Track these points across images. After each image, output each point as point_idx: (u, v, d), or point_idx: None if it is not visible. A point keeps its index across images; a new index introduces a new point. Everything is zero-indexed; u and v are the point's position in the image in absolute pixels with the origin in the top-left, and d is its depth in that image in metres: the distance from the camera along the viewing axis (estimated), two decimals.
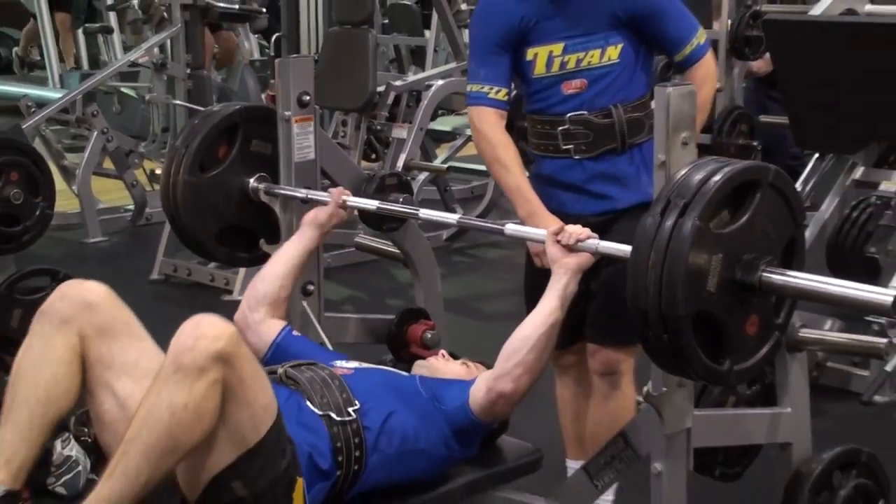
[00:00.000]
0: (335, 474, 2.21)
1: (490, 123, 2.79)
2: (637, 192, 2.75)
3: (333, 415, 2.25)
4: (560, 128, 2.76)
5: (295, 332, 2.66)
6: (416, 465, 2.33)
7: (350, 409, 2.27)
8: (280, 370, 2.36)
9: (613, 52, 2.72)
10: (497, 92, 2.79)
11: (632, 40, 2.73)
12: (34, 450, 2.15)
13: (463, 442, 2.39)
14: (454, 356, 2.68)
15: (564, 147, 2.77)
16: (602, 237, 2.50)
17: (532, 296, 2.86)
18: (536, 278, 2.77)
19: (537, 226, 2.66)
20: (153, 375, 2.05)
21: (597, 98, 2.74)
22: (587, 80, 2.74)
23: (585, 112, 2.74)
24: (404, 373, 2.56)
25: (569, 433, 3.04)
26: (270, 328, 2.63)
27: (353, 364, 2.51)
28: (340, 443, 2.22)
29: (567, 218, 2.64)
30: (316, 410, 2.25)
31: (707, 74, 2.79)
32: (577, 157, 2.77)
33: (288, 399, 2.27)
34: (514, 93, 3.05)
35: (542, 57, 2.75)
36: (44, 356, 2.17)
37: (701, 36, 2.78)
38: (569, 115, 2.75)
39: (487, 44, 2.79)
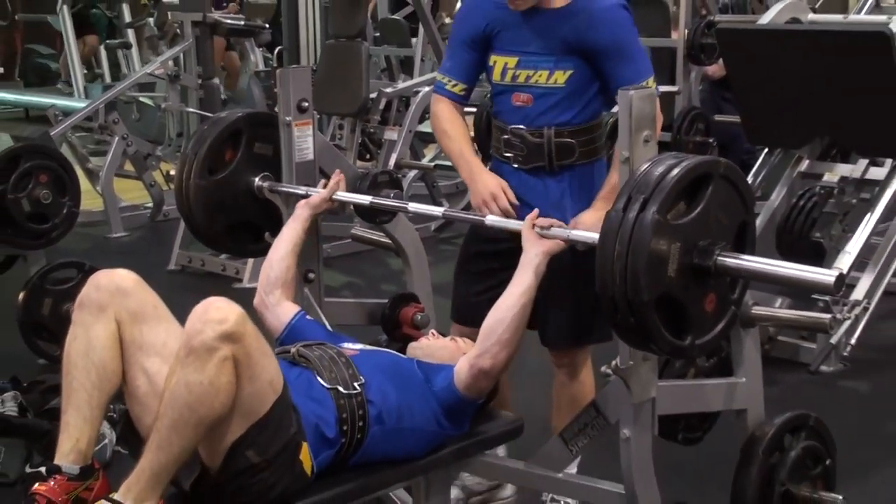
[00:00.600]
0: (340, 442, 2.21)
1: (441, 107, 2.78)
2: (559, 211, 2.66)
3: (341, 388, 2.24)
4: (504, 136, 2.72)
5: (308, 317, 2.65)
6: (411, 440, 2.32)
7: (356, 384, 2.26)
8: (293, 349, 2.36)
9: (561, 77, 2.63)
10: (454, 85, 2.76)
11: (583, 69, 2.62)
12: (96, 428, 2.19)
13: (453, 419, 2.38)
14: (443, 335, 2.67)
15: (506, 154, 2.74)
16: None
17: (464, 267, 2.88)
18: (471, 254, 2.82)
19: (476, 183, 2.68)
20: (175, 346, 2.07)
21: (538, 116, 2.67)
22: (532, 96, 2.66)
23: (524, 127, 2.68)
24: (403, 356, 2.54)
25: None
26: (286, 310, 2.62)
27: (359, 346, 2.50)
28: (346, 413, 2.22)
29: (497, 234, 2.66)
30: (325, 384, 2.24)
31: None
32: (515, 166, 2.73)
33: (299, 375, 2.27)
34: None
35: (500, 65, 2.70)
36: (89, 344, 2.17)
37: (650, 84, 2.58)
38: (511, 126, 2.70)
39: (459, 40, 2.76)
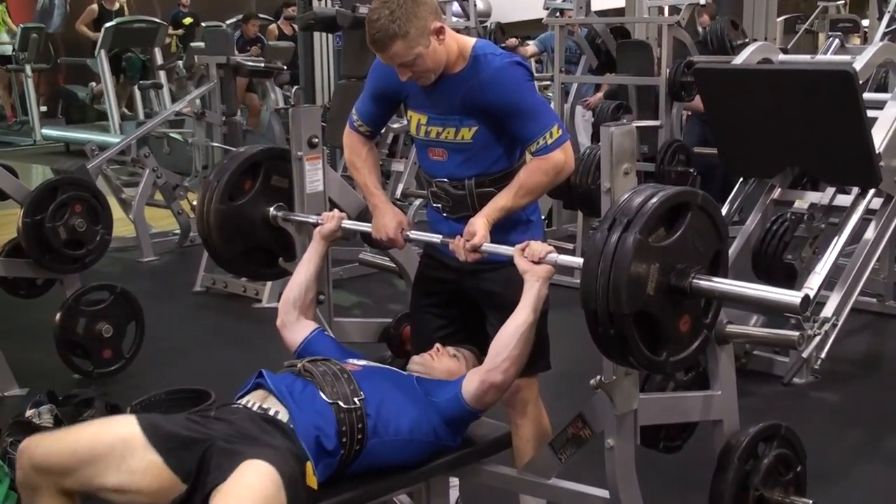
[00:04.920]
0: (339, 453, 2.19)
1: (351, 139, 2.71)
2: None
3: (341, 403, 2.22)
4: (431, 188, 2.64)
5: (327, 333, 2.63)
6: (407, 450, 2.29)
7: (356, 399, 2.24)
8: (300, 364, 2.33)
9: (467, 133, 2.50)
10: (360, 125, 2.69)
11: (488, 125, 2.48)
12: None
13: (451, 431, 2.36)
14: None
15: (434, 204, 2.66)
16: (467, 281, 2.59)
17: (422, 289, 2.77)
18: (428, 277, 2.74)
19: (377, 219, 2.65)
20: (122, 450, 2.03)
21: (456, 168, 2.55)
22: (446, 150, 2.55)
23: (446, 180, 2.57)
24: (404, 372, 2.52)
25: None
26: (303, 328, 2.61)
27: (363, 362, 2.48)
28: (346, 426, 2.19)
29: (444, 259, 2.63)
30: (327, 399, 2.22)
31: (544, 168, 2.46)
32: (444, 215, 2.63)
33: (304, 389, 2.25)
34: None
35: (414, 121, 2.60)
36: None
37: (550, 136, 2.44)
38: (435, 179, 2.60)
39: (369, 91, 2.67)
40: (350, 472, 2.23)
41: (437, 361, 2.51)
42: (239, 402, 2.26)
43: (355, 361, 2.46)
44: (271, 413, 2.18)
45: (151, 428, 2.08)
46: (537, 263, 2.32)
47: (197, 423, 2.15)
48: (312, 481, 2.11)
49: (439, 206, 2.63)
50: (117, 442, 2.06)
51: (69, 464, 2.06)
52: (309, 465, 2.11)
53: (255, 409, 2.21)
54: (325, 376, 2.28)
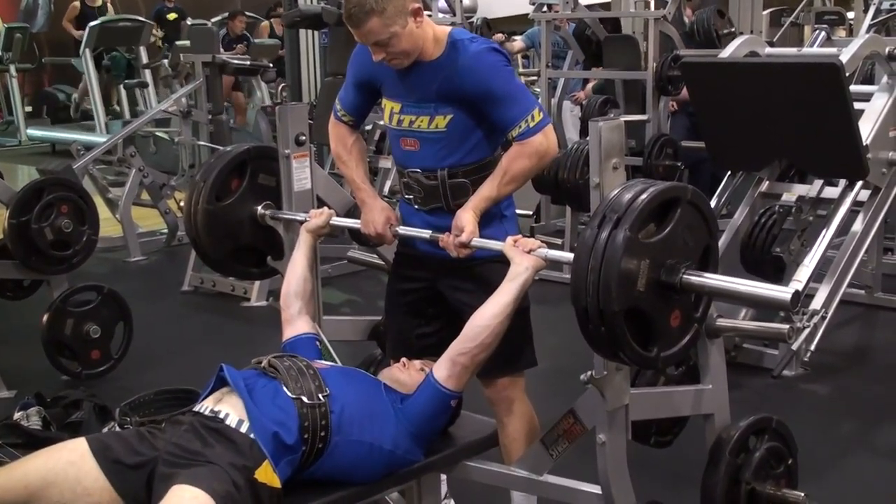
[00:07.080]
0: (301, 449, 2.15)
1: (337, 130, 2.69)
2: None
3: (305, 398, 2.19)
4: (403, 179, 2.61)
5: (318, 344, 2.57)
6: (367, 457, 2.25)
7: (320, 395, 2.21)
8: (265, 361, 2.30)
9: (441, 122, 2.46)
10: (344, 115, 2.68)
11: (463, 113, 2.44)
12: None
13: (415, 440, 2.31)
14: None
15: (406, 196, 2.62)
16: (443, 279, 2.57)
17: (392, 301, 2.75)
18: (395, 291, 2.73)
19: (365, 214, 2.63)
20: (75, 474, 2.05)
21: (428, 158, 2.51)
22: (418, 140, 2.51)
23: (419, 170, 2.53)
24: (372, 376, 2.49)
25: None
26: (302, 324, 2.59)
27: (330, 363, 2.46)
28: (308, 422, 2.16)
29: (421, 255, 2.61)
30: (289, 394, 2.19)
31: (527, 152, 2.43)
32: (416, 207, 2.59)
33: (265, 386, 2.22)
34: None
35: (388, 110, 2.55)
36: None
37: (532, 119, 2.41)
38: (407, 170, 2.56)
39: (350, 80, 2.65)
40: (313, 475, 2.19)
41: (406, 375, 2.45)
42: (194, 406, 2.23)
43: (323, 362, 2.44)
44: (221, 416, 2.14)
45: (101, 450, 2.09)
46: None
47: (144, 439, 2.14)
48: (272, 479, 2.08)
49: (411, 197, 2.60)
50: (68, 466, 2.06)
51: (22, 497, 2.05)
52: (265, 466, 2.08)
53: (206, 413, 2.17)
54: (289, 371, 2.25)
